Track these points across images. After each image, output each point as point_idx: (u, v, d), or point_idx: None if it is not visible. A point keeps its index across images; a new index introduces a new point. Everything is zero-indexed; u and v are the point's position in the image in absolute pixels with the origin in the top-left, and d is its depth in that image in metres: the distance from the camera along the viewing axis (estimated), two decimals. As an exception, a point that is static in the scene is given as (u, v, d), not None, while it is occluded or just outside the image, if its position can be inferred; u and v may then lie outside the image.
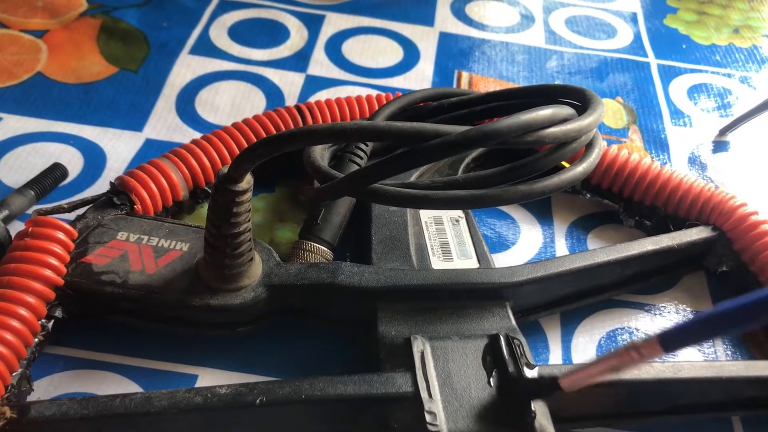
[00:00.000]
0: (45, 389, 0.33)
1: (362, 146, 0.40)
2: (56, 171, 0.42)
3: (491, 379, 0.31)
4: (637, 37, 0.60)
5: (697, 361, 0.36)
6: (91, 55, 0.51)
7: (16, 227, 0.38)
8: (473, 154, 0.43)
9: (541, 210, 0.44)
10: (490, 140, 0.29)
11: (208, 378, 0.34)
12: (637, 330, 0.38)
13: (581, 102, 0.35)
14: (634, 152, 0.43)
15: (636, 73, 0.56)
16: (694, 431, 0.34)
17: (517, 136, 0.29)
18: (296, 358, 0.35)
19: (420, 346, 0.32)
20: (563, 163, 0.35)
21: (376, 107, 0.44)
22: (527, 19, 0.61)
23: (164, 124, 0.47)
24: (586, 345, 0.37)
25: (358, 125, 0.28)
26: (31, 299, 0.32)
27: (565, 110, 0.31)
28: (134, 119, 0.47)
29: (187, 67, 0.51)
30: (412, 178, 0.40)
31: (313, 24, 0.57)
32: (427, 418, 0.29)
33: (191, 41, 0.53)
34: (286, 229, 0.41)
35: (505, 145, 0.29)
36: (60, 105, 0.47)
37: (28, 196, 0.40)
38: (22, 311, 0.31)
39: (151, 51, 0.52)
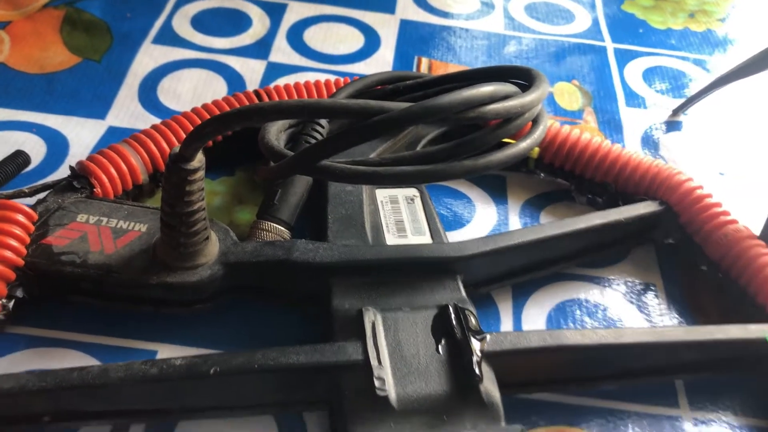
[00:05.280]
0: (6, 368, 0.33)
1: (319, 128, 0.41)
2: (18, 158, 0.42)
3: (440, 347, 0.32)
4: (595, 22, 0.62)
5: (639, 327, 0.38)
6: (54, 45, 0.52)
7: (-22, 213, 0.38)
8: (430, 135, 0.44)
9: (496, 189, 0.45)
10: (432, 116, 0.30)
11: (168, 353, 0.34)
12: (587, 302, 0.39)
13: (528, 81, 0.36)
14: (585, 132, 0.44)
15: (593, 56, 0.58)
16: (639, 395, 0.35)
17: (459, 112, 0.30)
18: (255, 334, 0.36)
19: (371, 316, 0.33)
20: (510, 140, 0.36)
21: (335, 91, 0.45)
22: (487, 6, 0.62)
23: (127, 112, 0.47)
24: (536, 316, 0.38)
25: (304, 102, 0.29)
26: (-10, 279, 0.32)
27: (508, 87, 0.33)
28: (97, 108, 0.47)
29: (149, 56, 0.52)
30: (369, 159, 0.41)
31: (276, 13, 0.57)
32: (376, 383, 0.30)
33: (154, 31, 0.54)
34: (245, 211, 0.42)
35: (447, 121, 0.31)
36: (23, 95, 0.48)
37: (-11, 183, 0.40)
38: (-18, 291, 0.32)
39: (114, 41, 0.53)
